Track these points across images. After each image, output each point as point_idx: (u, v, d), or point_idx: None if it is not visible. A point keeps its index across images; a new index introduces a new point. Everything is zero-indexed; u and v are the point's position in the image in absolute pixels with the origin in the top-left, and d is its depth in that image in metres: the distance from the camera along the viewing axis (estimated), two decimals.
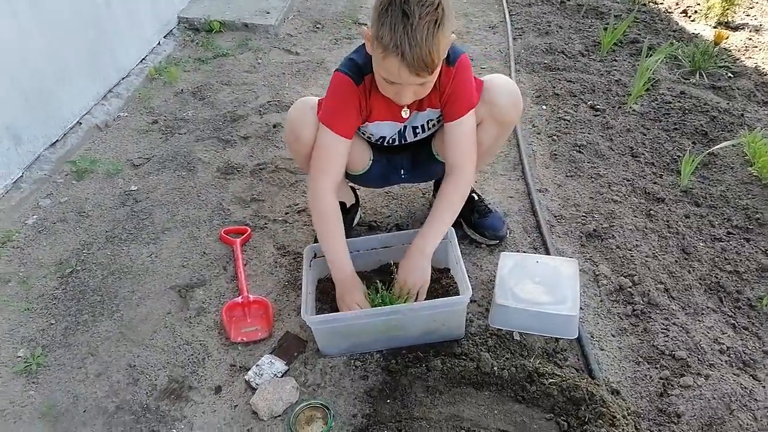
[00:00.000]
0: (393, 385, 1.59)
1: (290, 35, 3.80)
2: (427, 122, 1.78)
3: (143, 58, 3.45)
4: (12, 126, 2.38)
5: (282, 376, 1.63)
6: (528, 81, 3.12)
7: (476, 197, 2.05)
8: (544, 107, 2.85)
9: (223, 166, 2.53)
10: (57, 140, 2.65)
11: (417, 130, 1.80)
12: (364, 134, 1.81)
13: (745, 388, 1.51)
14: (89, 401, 1.57)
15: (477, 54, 3.46)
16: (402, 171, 1.97)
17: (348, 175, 1.94)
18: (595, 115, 2.74)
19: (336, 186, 1.71)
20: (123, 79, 3.22)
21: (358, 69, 1.60)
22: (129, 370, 1.66)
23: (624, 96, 2.92)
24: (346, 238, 1.90)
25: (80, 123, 2.81)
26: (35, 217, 2.28)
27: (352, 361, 1.66)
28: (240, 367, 1.67)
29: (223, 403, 1.58)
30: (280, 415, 1.53)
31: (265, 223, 2.20)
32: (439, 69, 1.49)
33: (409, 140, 1.83)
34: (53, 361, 1.69)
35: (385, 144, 1.83)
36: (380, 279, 1.79)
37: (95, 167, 2.55)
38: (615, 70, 3.19)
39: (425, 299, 1.67)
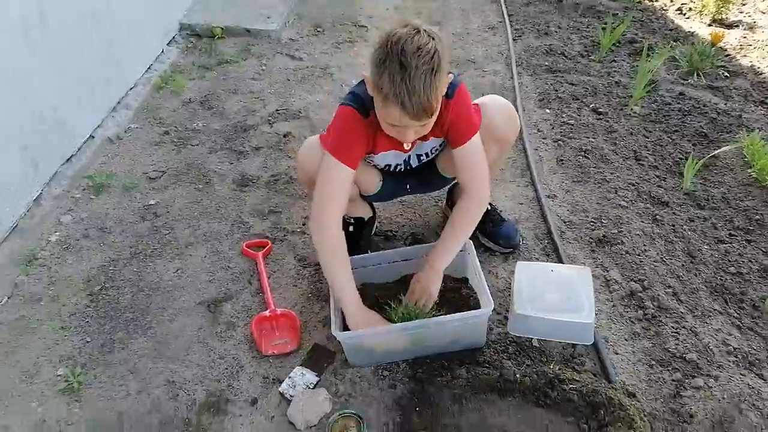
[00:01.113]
0: (420, 394, 1.67)
1: (292, 40, 3.84)
2: (431, 150, 1.87)
3: (149, 67, 3.49)
4: (28, 146, 2.41)
5: (314, 387, 1.71)
6: (530, 84, 3.19)
7: (490, 207, 2.13)
8: (547, 111, 2.93)
9: (238, 178, 2.58)
10: (72, 155, 2.70)
11: (422, 158, 1.89)
12: (370, 162, 1.89)
13: (753, 387, 1.61)
14: (133, 418, 1.65)
15: (479, 56, 3.53)
16: (408, 187, 2.05)
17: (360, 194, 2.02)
18: (598, 119, 2.82)
19: (341, 217, 1.72)
20: (130, 90, 3.25)
21: (364, 104, 1.65)
22: (168, 385, 1.73)
23: (625, 98, 3.00)
24: (366, 251, 2.00)
25: (93, 137, 2.85)
26: (58, 234, 2.33)
27: (380, 371, 1.74)
28: (273, 379, 1.75)
29: (260, 414, 1.66)
30: (315, 425, 1.61)
31: (284, 235, 2.27)
32: (438, 109, 1.54)
33: (414, 166, 1.92)
34: (93, 379, 1.76)
35: (391, 171, 1.91)
36: (403, 291, 1.88)
37: (112, 181, 2.60)
38: (614, 71, 3.27)
39: (449, 312, 1.76)
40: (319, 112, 3.08)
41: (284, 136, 2.87)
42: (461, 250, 1.89)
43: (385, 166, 1.88)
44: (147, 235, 2.30)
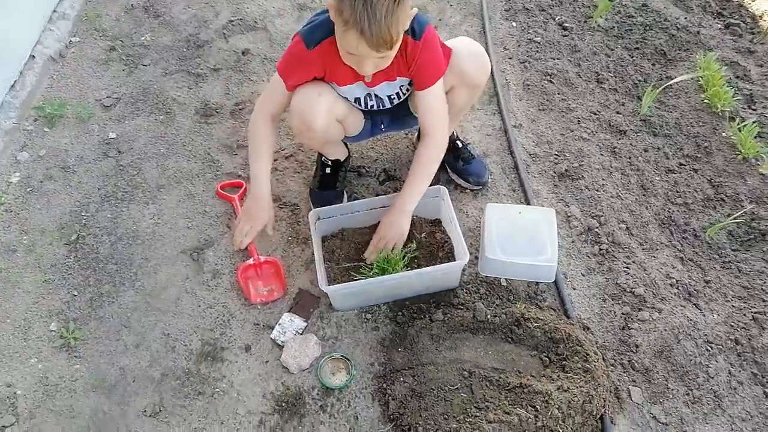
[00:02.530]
0: (402, 335, 1.84)
1: None
2: (401, 88, 1.88)
3: None
4: None
5: (303, 332, 1.85)
6: None
7: (460, 144, 2.18)
8: (513, 24, 2.88)
9: (200, 107, 2.50)
10: (15, 81, 2.51)
11: (392, 98, 1.91)
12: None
13: (690, 319, 1.85)
14: (136, 371, 1.75)
15: None
16: (382, 125, 2.07)
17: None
18: (564, 35, 2.81)
19: (274, 117, 1.85)
20: None
21: (312, 35, 1.66)
22: (164, 338, 1.83)
23: (590, 8, 2.97)
24: (342, 190, 2.08)
25: (33, 57, 2.63)
26: (18, 174, 2.25)
27: (363, 314, 1.89)
28: (263, 325, 1.87)
29: (255, 360, 1.80)
30: (307, 368, 1.77)
31: None
32: (399, 43, 1.55)
33: (386, 107, 1.94)
34: (89, 335, 1.83)
35: (365, 108, 1.93)
36: None
37: (64, 111, 2.47)
38: None
39: (424, 255, 1.92)
40: (276, 23, 2.92)
41: (243, 54, 2.74)
42: (435, 196, 1.98)
43: (355, 100, 1.87)
44: (113, 175, 2.25)
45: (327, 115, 1.78)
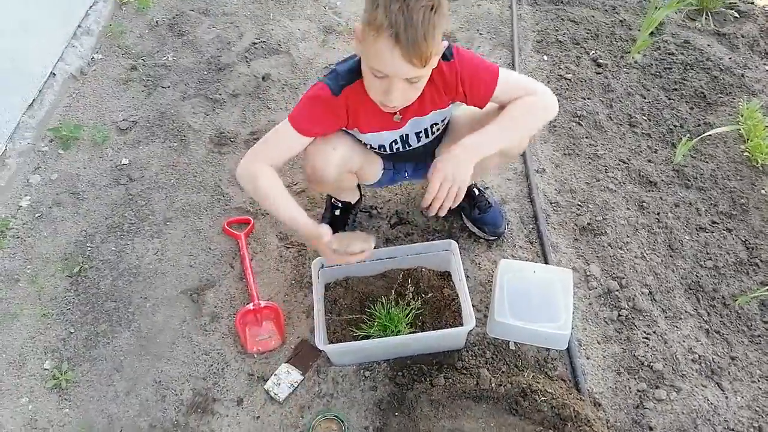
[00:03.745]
0: (400, 398, 1.75)
1: None
2: (431, 126, 1.75)
3: None
4: None
5: (298, 386, 1.78)
6: (530, 18, 2.96)
7: (477, 192, 2.08)
8: (545, 58, 2.75)
9: (215, 135, 2.45)
10: (34, 100, 2.51)
11: (420, 135, 1.78)
12: (364, 144, 1.78)
13: (711, 402, 1.72)
14: (123, 421, 1.71)
15: None
16: (406, 174, 1.98)
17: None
18: (597, 73, 2.67)
19: (272, 165, 1.60)
20: (90, 8, 2.95)
21: (338, 80, 1.56)
22: (155, 386, 1.78)
23: (628, 42, 2.82)
24: (351, 230, 2.00)
25: (54, 74, 2.63)
26: (28, 198, 2.24)
27: (362, 371, 1.81)
28: (258, 377, 1.81)
29: (246, 414, 1.74)
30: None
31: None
32: (432, 64, 1.43)
33: (413, 146, 1.81)
34: (81, 377, 1.80)
35: (386, 152, 1.82)
36: (384, 285, 1.90)
37: (79, 133, 2.45)
38: (620, 5, 3.03)
39: (430, 312, 1.84)
40: (300, 47, 2.86)
41: (263, 79, 2.68)
42: (445, 250, 1.89)
43: (379, 147, 1.78)
44: (122, 204, 2.22)
45: (339, 169, 1.70)
